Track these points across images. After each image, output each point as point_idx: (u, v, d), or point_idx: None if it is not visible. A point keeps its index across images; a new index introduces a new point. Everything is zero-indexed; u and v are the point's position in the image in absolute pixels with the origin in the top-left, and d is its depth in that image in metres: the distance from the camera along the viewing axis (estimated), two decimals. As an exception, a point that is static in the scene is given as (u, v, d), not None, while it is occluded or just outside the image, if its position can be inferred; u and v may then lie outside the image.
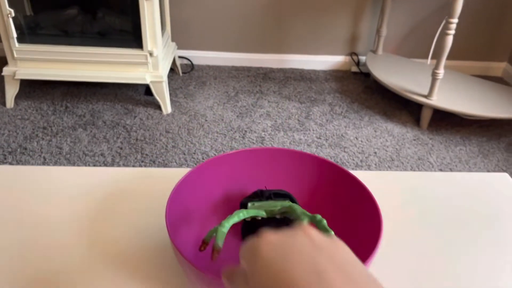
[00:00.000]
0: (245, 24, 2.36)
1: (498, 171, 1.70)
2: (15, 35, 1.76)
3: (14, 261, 0.53)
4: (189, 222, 0.54)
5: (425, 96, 1.88)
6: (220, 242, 0.45)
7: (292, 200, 0.56)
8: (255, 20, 2.35)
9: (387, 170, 1.67)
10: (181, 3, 2.29)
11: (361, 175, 0.71)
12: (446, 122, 2.00)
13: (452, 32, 1.68)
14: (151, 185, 0.66)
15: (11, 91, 1.90)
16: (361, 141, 1.84)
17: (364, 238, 0.51)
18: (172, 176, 0.67)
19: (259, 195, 0.56)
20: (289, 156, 0.60)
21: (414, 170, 1.65)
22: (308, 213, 0.51)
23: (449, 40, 1.70)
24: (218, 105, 2.04)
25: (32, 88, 2.07)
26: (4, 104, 1.94)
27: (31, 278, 0.51)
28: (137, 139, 1.77)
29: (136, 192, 0.64)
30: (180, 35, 2.38)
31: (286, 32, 2.39)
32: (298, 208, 0.49)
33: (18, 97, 1.98)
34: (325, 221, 0.48)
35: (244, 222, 0.57)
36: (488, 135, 1.94)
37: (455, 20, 1.65)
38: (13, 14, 1.72)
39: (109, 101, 2.01)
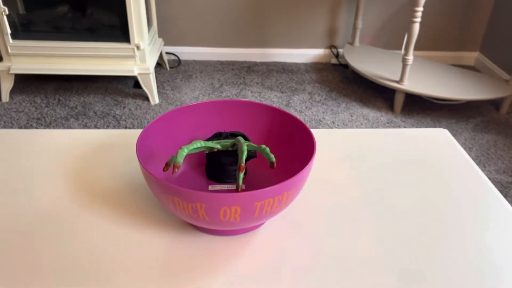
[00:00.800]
0: (230, 20, 2.48)
1: (465, 148, 1.82)
2: (9, 31, 1.87)
3: (13, 201, 0.64)
4: (157, 160, 0.65)
5: (397, 82, 2.00)
6: (179, 159, 0.56)
7: (245, 138, 0.67)
8: (240, 16, 2.47)
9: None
10: (167, 1, 2.41)
11: (315, 132, 0.82)
12: (418, 106, 2.13)
13: (418, 20, 1.80)
14: (126, 141, 0.77)
15: (6, 86, 2.00)
16: (338, 124, 1.95)
17: (303, 160, 0.62)
18: (148, 131, 0.79)
19: (218, 136, 0.68)
20: (245, 105, 0.71)
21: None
22: (254, 145, 0.62)
23: (416, 27, 1.82)
24: (204, 96, 2.15)
25: (26, 84, 2.17)
26: (-1, 98, 2.04)
27: (23, 220, 0.62)
28: (126, 127, 1.87)
29: (113, 147, 0.75)
30: (167, 32, 2.49)
31: (269, 28, 2.51)
32: (243, 141, 0.60)
33: (12, 92, 2.08)
34: (268, 149, 0.60)
35: (206, 155, 0.68)
36: (457, 117, 2.06)
37: (420, 8, 1.77)
38: (7, 12, 1.83)
39: (100, 94, 2.11)
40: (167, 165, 0.58)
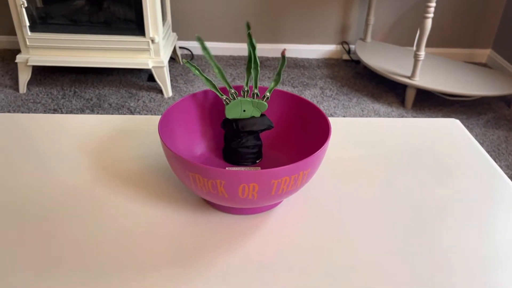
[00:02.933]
0: (242, 16, 2.51)
1: (476, 144, 1.82)
2: (27, 24, 1.91)
3: (38, 179, 0.67)
4: (177, 140, 0.68)
5: (409, 77, 2.01)
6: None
7: (268, 124, 0.69)
8: (252, 11, 2.49)
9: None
10: (181, -4, 2.44)
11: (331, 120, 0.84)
12: (429, 102, 2.13)
13: (431, 15, 1.81)
14: (149, 127, 0.80)
15: (23, 77, 2.05)
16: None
17: (318, 142, 0.65)
18: (167, 116, 0.81)
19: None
20: (262, 91, 0.73)
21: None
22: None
23: (428, 22, 1.83)
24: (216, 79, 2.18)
25: (42, 76, 2.22)
26: (17, 90, 2.09)
27: (47, 199, 0.65)
28: (140, 119, 1.91)
29: (135, 131, 0.78)
30: (181, 27, 2.52)
31: (281, 23, 2.53)
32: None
33: (30, 84, 2.13)
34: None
35: (224, 138, 0.70)
36: (468, 113, 2.06)
37: (433, 4, 1.78)
38: (25, 5, 1.87)
39: (115, 87, 2.15)
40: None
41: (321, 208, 0.63)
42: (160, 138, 0.59)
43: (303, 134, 0.70)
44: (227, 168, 0.69)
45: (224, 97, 0.66)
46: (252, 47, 0.63)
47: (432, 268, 0.54)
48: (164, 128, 0.64)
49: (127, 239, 0.57)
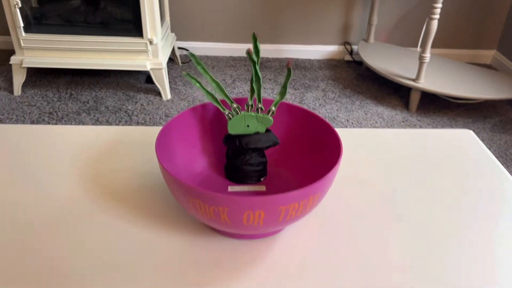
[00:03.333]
0: (242, 15, 2.45)
1: (482, 149, 1.78)
2: (22, 24, 1.86)
3: (29, 197, 0.62)
4: (175, 160, 0.63)
5: (413, 80, 1.96)
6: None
7: (274, 141, 0.64)
8: (252, 11, 2.44)
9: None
10: (179, -4, 2.38)
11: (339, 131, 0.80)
12: (434, 105, 2.09)
13: (437, 16, 1.76)
14: (145, 138, 0.75)
15: (18, 79, 1.99)
16: (352, 123, 1.92)
17: (328, 166, 0.60)
18: (165, 128, 0.76)
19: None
20: (268, 104, 0.68)
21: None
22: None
23: (434, 24, 1.78)
24: (216, 92, 2.13)
25: (38, 77, 2.16)
26: (11, 92, 2.04)
27: (38, 216, 0.60)
28: (138, 123, 1.86)
29: (131, 144, 0.73)
30: (180, 27, 2.47)
31: (282, 23, 2.48)
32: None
33: (25, 86, 2.08)
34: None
35: (226, 155, 0.65)
36: (474, 116, 2.02)
37: (439, 5, 1.73)
38: (20, 5, 1.82)
39: (112, 89, 2.10)
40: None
41: (331, 228, 0.58)
42: (158, 159, 0.54)
43: (311, 150, 0.65)
44: (229, 188, 0.64)
45: (226, 111, 0.61)
46: (253, 62, 0.58)
47: (446, 279, 0.49)
48: (162, 146, 0.59)
49: (121, 264, 0.52)
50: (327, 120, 1.89)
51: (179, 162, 0.63)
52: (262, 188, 0.64)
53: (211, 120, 0.68)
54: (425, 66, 1.89)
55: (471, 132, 0.84)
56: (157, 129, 0.77)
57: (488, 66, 2.54)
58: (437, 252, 0.56)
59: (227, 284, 0.51)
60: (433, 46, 2.53)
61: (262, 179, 0.65)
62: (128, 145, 0.73)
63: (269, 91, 2.16)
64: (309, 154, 0.65)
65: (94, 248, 0.54)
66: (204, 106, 0.66)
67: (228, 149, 0.64)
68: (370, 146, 0.76)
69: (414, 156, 0.74)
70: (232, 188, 0.64)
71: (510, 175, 0.71)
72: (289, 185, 0.64)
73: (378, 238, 0.57)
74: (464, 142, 0.79)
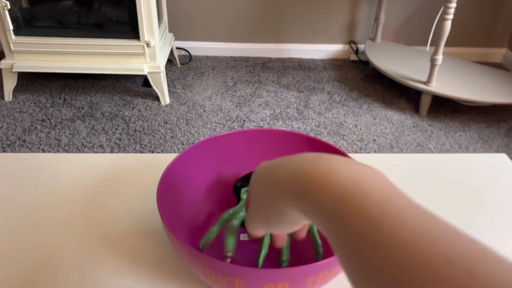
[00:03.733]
0: (243, 14, 2.35)
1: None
2: (11, 27, 1.76)
3: (11, 245, 0.53)
4: (182, 204, 0.54)
5: (424, 83, 1.87)
6: (230, 252, 0.45)
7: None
8: (253, 9, 2.34)
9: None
10: (178, -6, 2.28)
11: (359, 157, 0.71)
12: (445, 108, 2.00)
13: (450, 16, 1.66)
14: (145, 170, 0.66)
15: (9, 84, 1.89)
16: (360, 128, 1.83)
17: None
18: (166, 161, 0.67)
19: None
20: (282, 137, 0.60)
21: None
22: None
23: (448, 25, 1.68)
24: (217, 95, 2.04)
25: (30, 82, 2.06)
26: (2, 97, 1.94)
27: (28, 260, 0.51)
28: (135, 130, 1.77)
29: (130, 177, 0.64)
30: (178, 26, 2.37)
31: (285, 22, 2.38)
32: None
33: (16, 91, 1.98)
34: (316, 228, 0.48)
35: (234, 192, 0.57)
36: (487, 120, 1.93)
37: (453, 5, 1.63)
38: (8, 6, 1.71)
39: (107, 93, 2.00)
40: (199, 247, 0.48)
41: None
42: (161, 216, 0.45)
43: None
44: (241, 237, 0.55)
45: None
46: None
47: None
48: (163, 193, 0.50)
49: None
50: (334, 126, 1.79)
51: (184, 207, 0.54)
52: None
53: (221, 156, 0.59)
54: (437, 69, 1.80)
55: (505, 156, 0.75)
56: (160, 158, 0.68)
57: (499, 65, 2.45)
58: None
59: None
60: (441, 45, 2.43)
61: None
62: (129, 177, 0.64)
63: (272, 94, 2.07)
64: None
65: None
66: (212, 140, 0.57)
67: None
68: (397, 173, 0.67)
69: (446, 184, 0.65)
70: (244, 236, 0.56)
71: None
72: (309, 240, 0.55)
73: None
74: (498, 166, 0.71)
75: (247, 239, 0.55)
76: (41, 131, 1.74)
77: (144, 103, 1.94)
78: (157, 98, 1.97)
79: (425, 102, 1.90)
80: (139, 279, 0.50)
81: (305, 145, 0.59)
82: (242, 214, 0.49)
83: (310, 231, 0.48)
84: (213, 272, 0.42)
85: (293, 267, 0.40)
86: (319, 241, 0.48)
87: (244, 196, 0.53)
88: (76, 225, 0.56)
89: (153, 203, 0.60)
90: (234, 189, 0.56)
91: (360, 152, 1.69)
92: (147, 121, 1.83)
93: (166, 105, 1.94)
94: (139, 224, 0.56)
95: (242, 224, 0.56)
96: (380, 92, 2.11)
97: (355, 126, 1.85)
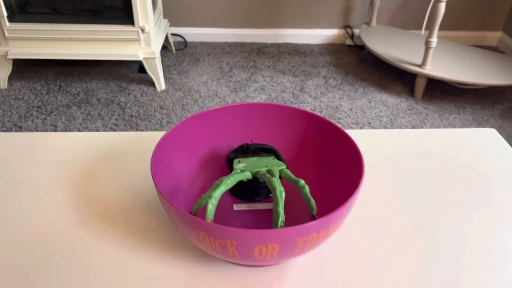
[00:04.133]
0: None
1: (492, 137, 1.71)
2: (5, 14, 1.75)
3: (8, 223, 0.54)
4: (176, 177, 0.55)
5: (419, 66, 1.88)
6: (211, 215, 0.46)
7: (277, 155, 0.57)
8: (248, -6, 2.33)
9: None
10: (172, -21, 2.26)
11: (352, 133, 0.72)
12: (440, 91, 2.01)
13: (445, -1, 1.66)
14: (140, 147, 0.67)
15: (4, 72, 1.89)
16: (356, 112, 1.84)
17: (347, 185, 0.52)
18: (159, 137, 0.68)
19: (245, 150, 0.57)
20: (273, 110, 0.60)
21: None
22: (292, 175, 0.52)
23: (442, 7, 1.69)
24: (212, 81, 2.04)
25: (25, 69, 2.06)
26: (-2, 85, 1.94)
27: (26, 236, 0.52)
28: (131, 116, 1.77)
29: (125, 154, 0.65)
30: (173, 12, 2.36)
31: (280, 6, 2.37)
32: (277, 182, 0.49)
33: (11, 78, 1.98)
34: (307, 188, 0.49)
35: (229, 166, 0.58)
36: (482, 103, 1.94)
37: (447, -13, 1.63)
38: (2, -8, 1.71)
39: (103, 80, 2.00)
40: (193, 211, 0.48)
41: (350, 251, 0.51)
42: (154, 182, 0.46)
43: (326, 162, 0.57)
44: (235, 206, 0.56)
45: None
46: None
47: None
48: (158, 162, 0.51)
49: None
50: (330, 109, 1.80)
51: (179, 178, 0.55)
52: (271, 206, 0.57)
53: (215, 129, 0.60)
54: (431, 52, 1.81)
55: (494, 130, 0.77)
56: (154, 135, 0.69)
57: (494, 48, 2.46)
58: (466, 270, 0.48)
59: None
60: (438, 29, 2.43)
61: (271, 195, 0.58)
62: (123, 155, 0.65)
63: (268, 79, 2.07)
64: (324, 167, 0.58)
65: (82, 279, 0.47)
66: (204, 114, 0.58)
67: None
68: (389, 149, 0.68)
69: (437, 159, 0.66)
70: (238, 206, 0.57)
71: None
72: (302, 203, 0.56)
73: (399, 259, 0.50)
74: (487, 141, 0.72)
75: (241, 209, 0.56)
76: (37, 118, 1.74)
77: (140, 89, 1.94)
78: (152, 84, 1.97)
79: (420, 85, 1.91)
80: (136, 249, 0.51)
81: (295, 119, 0.60)
82: (230, 180, 0.50)
83: (301, 191, 0.50)
84: (205, 235, 0.43)
85: (282, 228, 0.41)
86: (312, 201, 0.49)
87: (236, 166, 0.54)
88: (75, 199, 0.57)
89: (148, 178, 0.61)
90: (228, 160, 0.57)
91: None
92: (143, 106, 1.83)
93: (162, 91, 1.94)
94: (135, 198, 0.58)
95: (235, 194, 0.57)
96: (375, 76, 2.11)
97: (351, 109, 1.86)
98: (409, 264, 0.50)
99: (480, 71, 1.88)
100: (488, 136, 0.74)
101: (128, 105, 1.84)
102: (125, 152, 0.65)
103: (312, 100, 1.91)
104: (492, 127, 1.78)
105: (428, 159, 0.67)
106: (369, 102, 1.91)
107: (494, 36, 2.47)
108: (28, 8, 1.86)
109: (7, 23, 1.78)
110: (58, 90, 1.92)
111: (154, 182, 0.46)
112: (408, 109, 1.87)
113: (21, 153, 0.64)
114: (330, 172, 0.56)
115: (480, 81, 1.81)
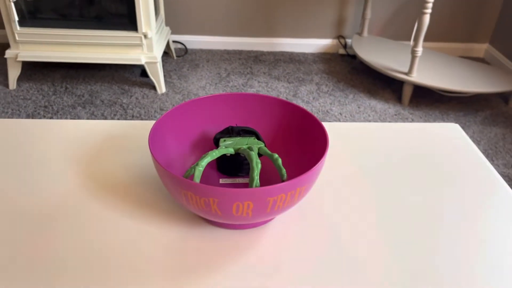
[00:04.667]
0: (237, 9, 2.46)
1: (473, 141, 1.81)
2: (16, 18, 1.86)
3: (26, 194, 0.64)
4: (169, 153, 0.65)
5: (406, 74, 1.99)
6: (197, 179, 0.56)
7: (257, 136, 0.67)
8: (247, 5, 2.45)
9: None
10: (174, -11, 2.39)
11: (326, 126, 0.82)
12: (426, 99, 2.11)
13: (429, 11, 1.78)
14: (138, 133, 0.77)
15: (13, 73, 2.00)
16: (345, 116, 1.94)
17: (314, 159, 0.62)
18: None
19: (230, 131, 0.67)
20: (256, 98, 0.71)
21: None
22: (267, 150, 0.62)
23: (426, 18, 1.80)
24: (210, 85, 2.14)
25: (33, 71, 2.17)
26: (7, 85, 2.04)
27: (33, 212, 0.62)
28: (133, 116, 1.87)
29: (125, 139, 0.75)
30: (174, 20, 2.48)
31: (277, 17, 2.49)
32: (255, 156, 0.59)
33: (20, 79, 2.09)
34: (280, 160, 0.60)
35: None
36: (465, 110, 2.04)
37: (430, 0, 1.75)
38: (14, -1, 1.82)
39: (107, 82, 2.11)
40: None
41: (316, 221, 0.60)
42: (151, 152, 0.56)
43: (300, 143, 0.67)
44: (221, 180, 0.66)
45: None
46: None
47: (431, 276, 0.52)
48: (155, 140, 0.61)
49: (114, 255, 0.54)
50: (320, 113, 1.91)
51: (172, 156, 0.65)
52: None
53: (205, 115, 0.70)
54: (417, 60, 1.92)
55: (457, 126, 0.86)
56: (151, 123, 0.79)
57: (481, 60, 2.57)
58: (419, 247, 0.58)
59: (219, 271, 0.54)
60: (426, 40, 2.55)
61: (252, 172, 0.67)
62: (122, 139, 0.75)
63: (263, 85, 2.17)
64: (298, 148, 0.67)
65: (88, 241, 0.56)
66: (197, 101, 0.68)
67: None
68: (357, 140, 0.78)
69: (400, 150, 0.76)
70: (223, 180, 0.67)
71: (496, 170, 0.73)
72: (279, 178, 0.66)
73: (360, 231, 0.60)
74: (450, 135, 0.81)
75: (226, 182, 0.66)
76: (44, 116, 1.84)
77: (141, 91, 2.05)
78: (153, 87, 2.08)
79: (407, 92, 2.01)
80: (135, 215, 0.61)
81: (274, 106, 0.70)
82: (215, 153, 0.60)
83: (275, 163, 0.59)
84: (193, 194, 0.53)
85: (255, 188, 0.51)
86: (284, 170, 0.59)
87: (222, 143, 0.63)
88: (79, 177, 0.67)
89: (145, 157, 0.71)
90: (215, 140, 0.67)
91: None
92: (144, 108, 1.93)
93: (162, 94, 2.04)
94: (134, 174, 0.67)
95: (221, 170, 0.67)
96: (365, 84, 2.22)
97: (340, 113, 1.96)
98: (369, 232, 0.60)
99: (465, 80, 1.99)
100: (451, 131, 0.84)
101: (130, 106, 1.94)
102: (124, 137, 0.75)
103: (304, 104, 2.02)
104: (473, 132, 1.88)
105: (392, 148, 0.77)
106: (358, 107, 2.02)
107: (481, 48, 2.58)
108: (38, 14, 1.98)
109: (18, 27, 1.89)
110: (64, 92, 2.02)
111: (151, 151, 0.56)
112: (395, 114, 1.97)
113: (36, 136, 0.74)
114: (301, 149, 0.66)
115: (464, 88, 1.92)
